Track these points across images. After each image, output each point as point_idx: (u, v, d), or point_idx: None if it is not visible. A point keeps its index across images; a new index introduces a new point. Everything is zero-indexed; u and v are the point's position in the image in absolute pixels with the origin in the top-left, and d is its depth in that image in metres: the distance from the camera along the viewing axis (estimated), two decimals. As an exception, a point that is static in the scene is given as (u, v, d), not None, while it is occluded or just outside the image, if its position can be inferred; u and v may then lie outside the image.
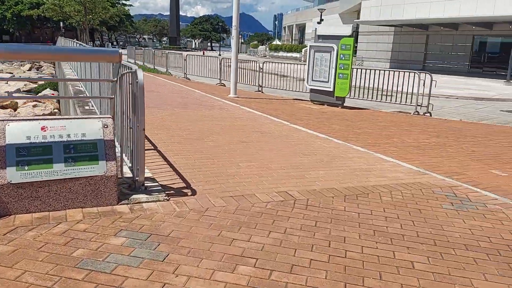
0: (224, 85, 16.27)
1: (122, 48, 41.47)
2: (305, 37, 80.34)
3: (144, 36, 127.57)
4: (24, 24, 61.49)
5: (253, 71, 14.77)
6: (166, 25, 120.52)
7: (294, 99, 12.55)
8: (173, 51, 21.64)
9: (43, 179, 3.10)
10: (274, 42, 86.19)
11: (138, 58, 28.71)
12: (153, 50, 24.47)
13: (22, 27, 62.14)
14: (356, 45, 55.62)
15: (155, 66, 23.53)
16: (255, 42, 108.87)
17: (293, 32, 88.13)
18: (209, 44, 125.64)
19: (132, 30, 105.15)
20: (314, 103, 11.30)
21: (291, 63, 17.60)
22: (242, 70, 15.15)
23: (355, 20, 43.43)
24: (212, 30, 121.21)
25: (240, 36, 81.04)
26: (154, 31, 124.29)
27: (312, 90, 11.34)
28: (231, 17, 11.36)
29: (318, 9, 40.63)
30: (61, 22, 56.06)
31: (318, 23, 39.72)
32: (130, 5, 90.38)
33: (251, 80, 14.87)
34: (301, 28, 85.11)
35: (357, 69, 11.69)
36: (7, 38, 62.64)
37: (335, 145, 6.14)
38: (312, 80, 11.17)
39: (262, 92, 14.19)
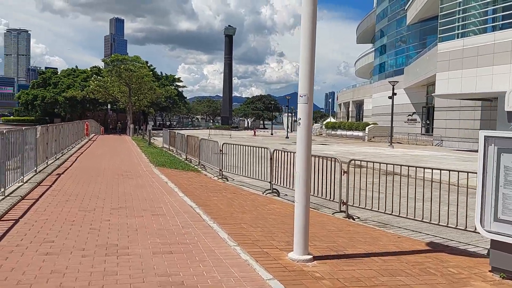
0: (277, 193, 10.02)
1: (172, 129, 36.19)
2: (363, 113, 74.72)
3: (197, 116, 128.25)
4: (75, 107, 60.88)
5: (331, 169, 8.38)
6: (219, 105, 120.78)
7: (436, 248, 5.89)
8: (207, 139, 15.99)
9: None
10: (329, 120, 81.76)
11: (172, 142, 23.60)
12: (185, 135, 19.09)
13: (74, 110, 61.58)
14: (428, 121, 48.58)
15: (188, 156, 17.97)
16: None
17: (349, 109, 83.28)
18: (261, 122, 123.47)
19: (185, 110, 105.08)
20: (502, 283, 4.52)
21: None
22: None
23: (433, 94, 36.95)
24: (264, 109, 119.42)
25: (291, 114, 76.22)
26: (207, 111, 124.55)
27: (495, 246, 4.62)
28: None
29: (389, 81, 34.69)
30: (109, 104, 54.48)
31: (389, 97, 33.61)
32: (184, 86, 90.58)
33: (330, 191, 8.41)
34: (358, 105, 79.92)
35: None
36: (59, 120, 62.14)
37: None
38: (497, 219, 4.53)
39: (353, 220, 7.65)
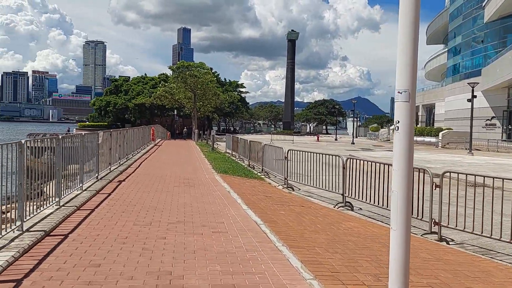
0: (351, 207, 8.90)
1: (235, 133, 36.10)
2: (435, 118, 70.12)
3: (259, 122, 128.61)
4: (144, 113, 63.35)
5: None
6: (281, 110, 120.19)
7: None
8: (271, 145, 15.16)
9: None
10: (396, 125, 77.13)
11: (235, 148, 23.12)
12: (248, 141, 18.44)
13: (143, 116, 64.13)
14: (510, 127, 44.20)
15: (251, 162, 17.30)
16: (375, 125, 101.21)
17: (419, 113, 78.67)
18: (324, 127, 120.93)
19: (247, 115, 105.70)
20: None
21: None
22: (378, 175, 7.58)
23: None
24: (327, 114, 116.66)
25: (356, 118, 73.28)
26: (269, 116, 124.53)
27: None
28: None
29: (468, 83, 31.83)
30: (175, 110, 55.88)
31: (469, 100, 30.72)
32: (247, 92, 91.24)
33: (418, 208, 7.17)
34: (428, 109, 75.26)
35: None
36: (129, 125, 64.92)
37: None
38: None
39: (447, 243, 6.37)
